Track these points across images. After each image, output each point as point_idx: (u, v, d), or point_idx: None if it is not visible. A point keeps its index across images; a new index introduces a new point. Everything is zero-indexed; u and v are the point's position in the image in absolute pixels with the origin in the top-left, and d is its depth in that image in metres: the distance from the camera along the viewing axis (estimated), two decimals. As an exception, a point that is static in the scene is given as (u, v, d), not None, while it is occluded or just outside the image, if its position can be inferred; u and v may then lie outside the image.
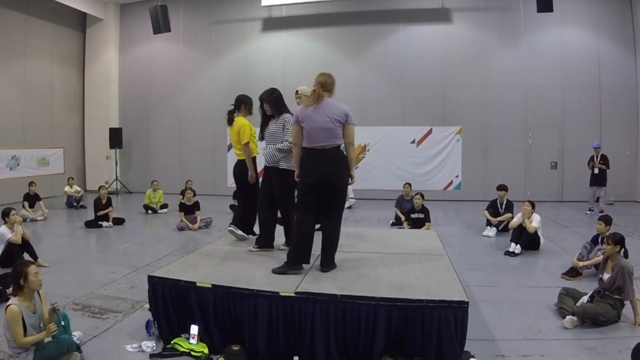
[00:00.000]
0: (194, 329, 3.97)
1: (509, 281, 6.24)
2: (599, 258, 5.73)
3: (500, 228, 9.22)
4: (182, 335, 4.07)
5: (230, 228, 5.67)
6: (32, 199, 11.25)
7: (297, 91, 5.88)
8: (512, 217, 8.53)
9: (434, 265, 4.53)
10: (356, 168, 4.81)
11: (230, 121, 5.66)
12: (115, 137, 15.85)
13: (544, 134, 14.01)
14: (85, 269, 6.95)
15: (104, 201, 10.41)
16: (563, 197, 14.02)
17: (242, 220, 5.93)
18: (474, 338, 4.03)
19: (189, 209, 10.18)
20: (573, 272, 6.28)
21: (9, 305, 3.53)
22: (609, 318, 4.59)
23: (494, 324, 4.68)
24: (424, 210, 9.40)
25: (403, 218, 9.74)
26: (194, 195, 10.43)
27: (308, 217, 4.31)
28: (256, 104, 5.37)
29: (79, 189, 13.46)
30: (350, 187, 4.75)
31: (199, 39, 15.94)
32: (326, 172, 4.18)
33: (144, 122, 16.52)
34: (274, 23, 15.37)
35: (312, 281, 4.03)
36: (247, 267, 4.47)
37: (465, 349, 3.63)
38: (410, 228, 9.14)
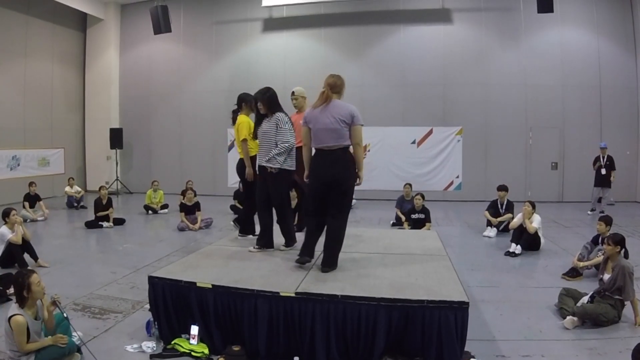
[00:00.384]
0: (194, 330, 3.97)
1: (509, 281, 6.24)
2: (600, 258, 5.72)
3: (500, 228, 9.21)
4: (183, 335, 4.07)
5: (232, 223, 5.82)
6: (32, 199, 11.25)
7: (293, 92, 5.91)
8: (513, 218, 8.52)
9: (435, 266, 4.53)
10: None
11: (234, 120, 5.67)
12: (116, 138, 15.86)
13: (545, 134, 14.00)
14: (85, 269, 6.95)
15: (104, 201, 10.42)
16: (563, 197, 14.02)
17: (245, 220, 5.96)
18: (474, 338, 4.03)
19: (190, 209, 10.18)
20: (573, 273, 6.28)
21: (14, 315, 3.49)
22: (610, 318, 4.58)
23: (494, 325, 4.67)
24: (425, 210, 9.40)
25: (403, 218, 9.74)
26: (195, 195, 10.43)
27: (317, 217, 4.41)
28: None
29: (79, 189, 13.47)
30: None
31: (199, 39, 15.94)
32: (332, 173, 4.22)
33: (145, 122, 16.53)
34: (275, 23, 15.37)
35: (312, 281, 4.03)
36: (248, 268, 4.47)
37: (466, 349, 3.63)
38: (411, 228, 9.14)
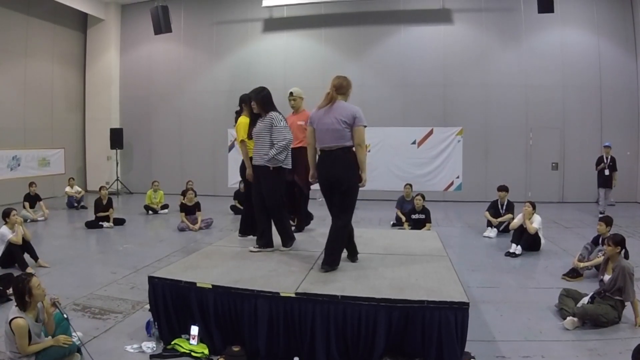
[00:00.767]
0: (194, 330, 3.97)
1: (509, 282, 6.24)
2: (600, 259, 5.72)
3: (500, 229, 9.21)
4: (183, 335, 4.07)
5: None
6: (32, 200, 11.26)
7: (291, 92, 5.91)
8: (513, 218, 8.52)
9: (435, 266, 4.53)
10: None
11: (236, 121, 5.67)
12: (116, 138, 15.87)
13: (545, 134, 14.00)
14: (85, 269, 6.96)
15: (104, 202, 10.42)
16: (564, 198, 14.01)
17: (244, 220, 5.96)
18: (474, 339, 4.03)
19: (190, 210, 10.18)
20: (574, 273, 6.27)
21: (15, 318, 3.47)
22: (610, 319, 4.58)
23: (494, 325, 4.67)
24: (425, 211, 9.40)
25: (404, 219, 9.74)
26: (195, 195, 10.43)
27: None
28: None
29: (79, 189, 13.48)
30: None
31: (199, 40, 15.95)
32: (331, 173, 4.30)
33: (145, 122, 16.53)
34: (275, 24, 15.38)
35: (312, 282, 4.03)
36: (248, 268, 4.47)
37: (466, 349, 3.63)
38: (411, 229, 9.14)
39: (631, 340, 4.15)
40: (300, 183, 5.88)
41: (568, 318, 4.62)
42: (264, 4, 14.63)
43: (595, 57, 13.71)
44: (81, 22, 16.38)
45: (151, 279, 4.22)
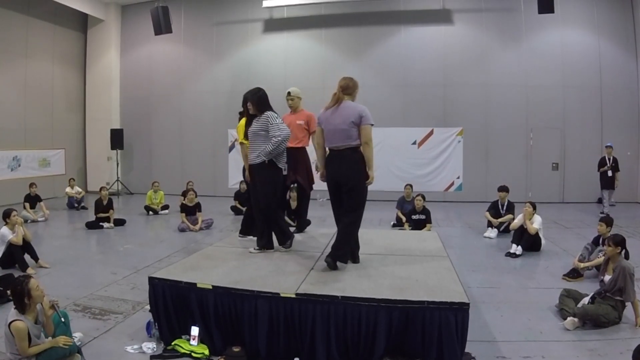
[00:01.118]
0: (195, 330, 3.97)
1: (509, 282, 6.23)
2: (600, 259, 5.72)
3: (501, 229, 9.21)
4: (183, 336, 4.07)
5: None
6: (33, 200, 11.26)
7: (289, 92, 5.93)
8: (513, 219, 8.52)
9: (435, 267, 4.53)
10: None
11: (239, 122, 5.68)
12: (116, 138, 15.88)
13: (545, 135, 14.00)
14: (86, 270, 6.96)
15: (105, 202, 10.43)
16: (564, 198, 14.01)
17: (245, 221, 5.96)
18: (474, 339, 4.03)
19: (190, 210, 10.18)
20: (574, 274, 6.27)
21: (14, 321, 3.47)
22: (610, 319, 4.58)
23: (494, 326, 4.67)
24: (425, 211, 9.40)
25: (404, 219, 9.74)
26: (196, 196, 10.42)
27: (337, 215, 4.60)
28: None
29: (80, 190, 13.48)
30: None
31: (200, 40, 15.95)
32: (338, 172, 4.40)
33: (145, 123, 16.54)
34: (275, 24, 15.38)
35: (312, 282, 4.03)
36: (248, 269, 4.47)
37: (466, 350, 3.63)
38: (411, 229, 9.13)
39: (632, 340, 4.14)
40: (303, 183, 5.88)
41: (568, 318, 4.62)
42: (264, 4, 14.64)
43: (596, 57, 13.71)
44: (81, 22, 16.39)
45: (151, 280, 4.21)
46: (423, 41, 14.50)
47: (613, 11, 13.67)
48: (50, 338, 3.68)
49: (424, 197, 9.52)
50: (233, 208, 11.92)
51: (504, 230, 9.14)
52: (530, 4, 12.97)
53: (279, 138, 4.71)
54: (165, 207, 12.37)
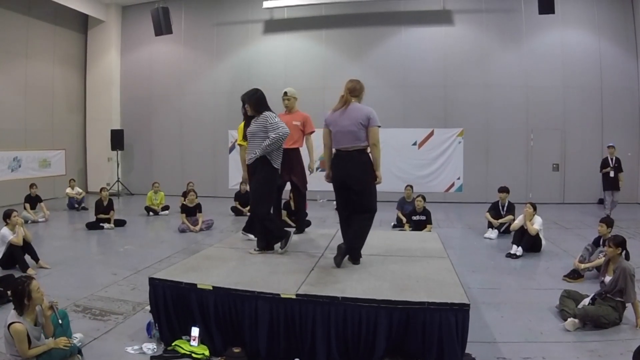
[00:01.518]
0: (195, 331, 3.97)
1: (510, 283, 6.23)
2: (601, 260, 5.71)
3: (501, 230, 9.20)
4: (183, 337, 4.07)
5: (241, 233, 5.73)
6: (33, 201, 11.26)
7: (285, 92, 5.96)
8: (514, 219, 8.52)
9: (435, 267, 4.53)
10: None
11: None
12: (117, 139, 15.88)
13: (546, 135, 14.00)
14: (86, 270, 6.96)
15: (105, 203, 10.43)
16: (565, 199, 14.00)
17: (251, 219, 5.95)
18: (475, 340, 4.03)
19: (191, 211, 10.17)
20: (574, 274, 6.27)
21: (13, 323, 3.46)
22: (611, 320, 4.58)
23: (495, 327, 4.67)
24: (426, 212, 9.39)
25: (404, 220, 9.74)
26: (196, 197, 10.42)
27: (343, 213, 4.70)
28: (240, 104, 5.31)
29: (80, 190, 13.48)
30: None
31: (200, 41, 15.96)
32: (346, 173, 4.48)
33: (146, 123, 16.55)
34: (276, 25, 15.39)
35: (313, 283, 4.03)
36: (248, 269, 4.47)
37: (466, 351, 3.62)
38: (412, 230, 9.12)
39: (632, 341, 4.14)
40: (298, 183, 5.91)
41: (569, 319, 4.62)
42: (265, 5, 14.65)
43: (596, 58, 13.71)
44: (82, 23, 16.40)
45: (152, 280, 4.21)
46: (423, 42, 14.51)
47: (613, 11, 13.67)
48: (50, 339, 3.68)
49: (424, 198, 9.52)
50: (233, 209, 11.92)
51: (504, 231, 9.14)
52: (530, 4, 12.97)
53: (278, 135, 4.70)
54: (166, 207, 12.37)
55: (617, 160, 11.31)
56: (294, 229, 6.16)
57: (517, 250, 7.58)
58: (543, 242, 7.80)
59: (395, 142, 14.28)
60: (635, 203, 13.51)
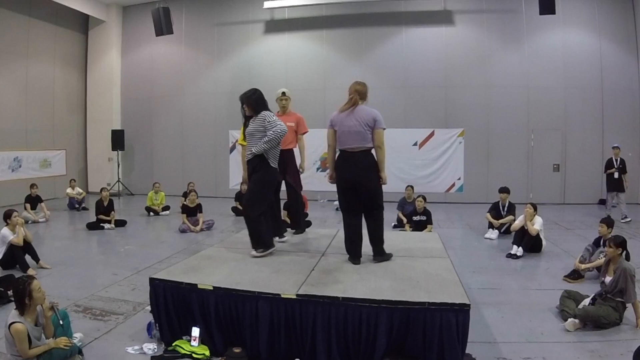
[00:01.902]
0: (195, 331, 3.97)
1: (510, 284, 6.23)
2: (601, 261, 5.71)
3: (502, 230, 9.20)
4: (184, 337, 4.07)
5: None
6: (34, 201, 11.27)
7: (283, 92, 5.97)
8: (514, 220, 8.52)
9: (436, 268, 4.53)
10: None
11: None
12: (118, 139, 15.89)
13: (547, 136, 13.99)
14: (86, 271, 6.95)
15: (105, 203, 10.43)
16: (565, 199, 13.99)
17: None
18: (475, 341, 4.03)
19: (191, 211, 10.18)
20: (575, 275, 6.27)
21: (13, 323, 3.47)
22: (611, 321, 4.58)
23: (495, 327, 4.67)
24: (426, 212, 9.39)
25: (405, 220, 9.74)
26: (197, 197, 10.42)
27: (349, 216, 4.73)
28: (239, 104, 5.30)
29: (80, 190, 13.48)
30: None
31: (201, 41, 15.97)
32: (353, 174, 4.53)
33: (146, 124, 16.56)
34: (276, 25, 15.39)
35: (313, 283, 4.03)
36: (249, 270, 4.47)
37: (467, 351, 3.62)
38: (412, 230, 9.12)
39: (632, 341, 4.14)
40: (293, 183, 5.93)
41: (569, 320, 4.62)
42: (265, 5, 14.65)
43: (597, 59, 13.70)
44: (82, 23, 16.42)
45: (152, 281, 4.22)
46: (424, 42, 14.50)
47: (614, 12, 13.66)
48: (50, 339, 3.68)
49: (424, 198, 9.51)
50: (234, 209, 11.91)
51: (504, 231, 9.13)
52: (531, 5, 12.97)
53: (276, 133, 4.67)
54: (166, 208, 12.38)
55: (622, 161, 11.24)
56: (294, 230, 6.18)
57: (517, 250, 7.58)
58: (543, 242, 7.80)
59: (396, 143, 14.25)
60: (636, 203, 13.49)
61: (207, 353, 3.92)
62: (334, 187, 4.81)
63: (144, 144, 16.62)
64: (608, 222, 6.47)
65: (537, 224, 7.68)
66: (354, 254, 4.73)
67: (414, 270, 4.44)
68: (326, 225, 10.16)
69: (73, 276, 6.56)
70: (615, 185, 11.18)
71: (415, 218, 9.39)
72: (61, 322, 3.78)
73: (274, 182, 5.06)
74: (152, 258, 7.52)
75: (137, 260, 7.44)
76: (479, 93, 14.21)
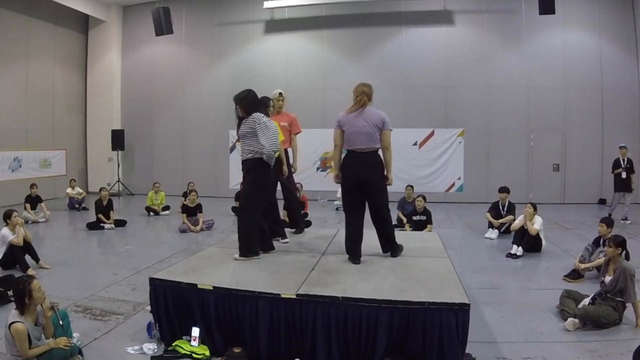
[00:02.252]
0: (195, 331, 3.97)
1: (510, 283, 6.23)
2: (601, 260, 5.71)
3: (502, 230, 9.21)
4: (184, 337, 4.07)
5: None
6: (34, 201, 11.27)
7: (280, 93, 5.98)
8: (514, 219, 8.52)
9: (436, 267, 4.53)
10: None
11: None
12: (118, 139, 15.89)
13: (546, 136, 13.99)
14: (86, 271, 6.96)
15: (104, 203, 10.43)
16: (565, 199, 13.99)
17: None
18: (475, 340, 4.03)
19: (191, 211, 10.18)
20: (575, 275, 6.27)
21: (13, 323, 3.47)
22: (611, 320, 4.58)
23: (495, 327, 4.67)
24: (426, 212, 9.39)
25: (405, 220, 9.73)
26: (197, 197, 10.42)
27: (352, 216, 4.78)
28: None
29: (81, 190, 13.49)
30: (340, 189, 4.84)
31: (201, 41, 15.97)
32: (361, 175, 4.60)
33: (146, 124, 16.56)
34: (276, 25, 15.39)
35: (313, 283, 4.03)
36: (249, 270, 4.47)
37: (467, 351, 3.62)
38: (412, 230, 9.12)
39: (632, 341, 4.14)
40: (287, 182, 5.93)
41: (569, 319, 4.62)
42: (266, 5, 14.65)
43: (597, 58, 13.71)
44: (82, 23, 16.42)
45: (152, 281, 4.22)
46: (424, 42, 14.51)
47: (614, 12, 13.67)
48: (50, 340, 3.68)
49: (424, 198, 9.51)
50: (234, 209, 11.90)
51: (504, 231, 9.14)
52: (531, 5, 12.97)
53: (268, 152, 4.62)
54: (166, 208, 12.38)
55: (629, 161, 11.09)
56: (293, 230, 6.18)
57: (517, 250, 7.58)
58: (543, 242, 7.81)
59: (396, 143, 13.87)
60: (636, 203, 13.48)
61: (207, 353, 3.92)
62: (334, 187, 4.85)
63: (144, 144, 16.62)
64: (608, 221, 6.46)
65: (537, 224, 7.68)
66: (354, 254, 4.73)
67: (414, 270, 4.44)
68: (326, 225, 10.16)
69: (73, 276, 6.57)
70: (622, 186, 11.02)
71: (415, 218, 9.40)
72: (61, 322, 3.78)
73: (269, 183, 5.03)
74: (152, 258, 7.53)
75: (137, 260, 7.44)
76: (479, 93, 14.21)
